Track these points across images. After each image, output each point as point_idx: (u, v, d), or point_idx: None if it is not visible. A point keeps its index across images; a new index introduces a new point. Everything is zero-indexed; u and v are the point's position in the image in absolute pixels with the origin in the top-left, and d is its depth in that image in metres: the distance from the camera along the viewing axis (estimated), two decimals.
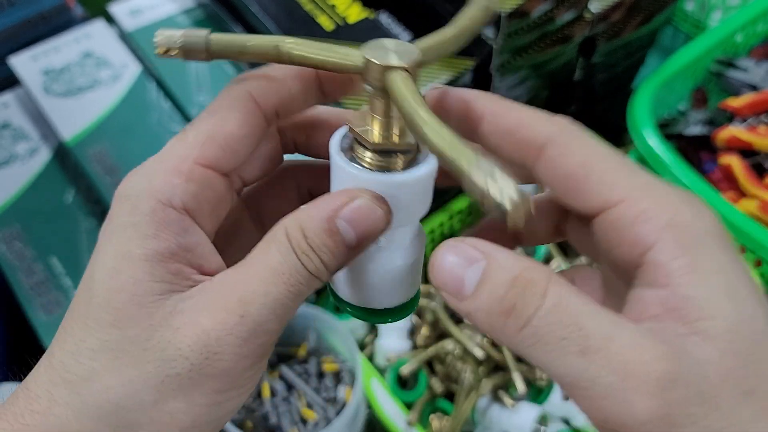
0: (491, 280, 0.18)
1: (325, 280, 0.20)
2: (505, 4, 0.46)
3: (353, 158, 0.21)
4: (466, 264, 0.18)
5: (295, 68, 0.22)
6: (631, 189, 0.19)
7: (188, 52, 0.20)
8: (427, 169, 0.20)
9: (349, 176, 0.20)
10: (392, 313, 0.24)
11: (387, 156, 0.20)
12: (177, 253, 0.19)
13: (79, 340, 0.19)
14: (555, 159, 0.19)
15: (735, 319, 0.17)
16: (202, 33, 0.20)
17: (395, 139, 0.20)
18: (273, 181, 0.25)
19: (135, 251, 0.19)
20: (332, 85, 0.22)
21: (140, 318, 0.19)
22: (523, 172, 0.20)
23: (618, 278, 0.20)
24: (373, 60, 0.19)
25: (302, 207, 0.20)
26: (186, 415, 0.19)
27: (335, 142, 0.21)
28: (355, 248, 0.20)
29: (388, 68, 0.19)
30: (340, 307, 0.24)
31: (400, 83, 0.19)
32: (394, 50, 0.20)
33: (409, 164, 0.21)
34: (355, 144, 0.21)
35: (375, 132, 0.20)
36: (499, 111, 0.21)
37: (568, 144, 0.19)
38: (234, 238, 0.23)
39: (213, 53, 0.20)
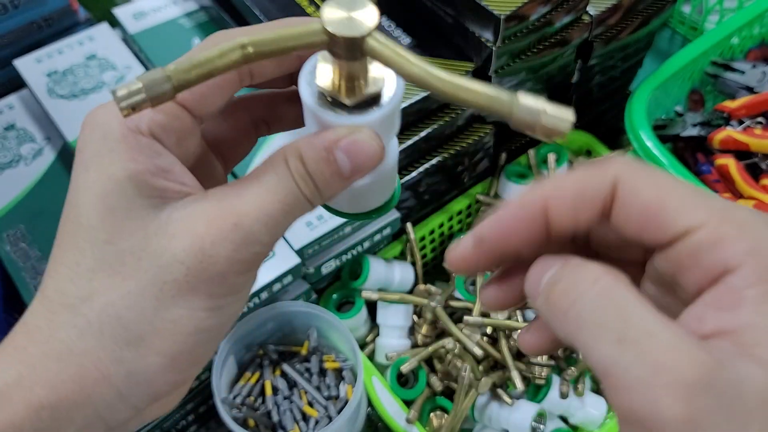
0: (551, 266, 0.20)
1: (317, 205, 0.21)
2: (504, 7, 0.47)
3: (329, 104, 0.21)
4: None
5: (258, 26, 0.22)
6: (710, 214, 0.18)
7: (156, 99, 0.19)
8: (396, 97, 0.22)
9: (337, 122, 0.21)
10: (377, 211, 0.25)
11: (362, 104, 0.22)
12: (156, 173, 0.20)
13: (73, 264, 0.19)
14: (626, 198, 0.19)
15: None
16: (160, 75, 0.19)
17: (364, 90, 0.21)
18: (227, 115, 0.25)
19: (118, 173, 0.19)
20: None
21: (134, 230, 0.19)
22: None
23: (667, 297, 0.21)
24: (339, 34, 0.19)
25: (303, 136, 0.21)
26: (188, 321, 0.19)
27: (308, 94, 0.21)
28: (348, 178, 0.21)
29: (361, 39, 0.19)
30: (329, 212, 0.25)
31: (384, 49, 0.20)
32: (351, 14, 0.20)
33: (377, 98, 0.22)
34: (325, 98, 0.21)
35: (345, 89, 0.21)
36: (562, 184, 0.21)
37: (636, 181, 0.19)
38: (200, 171, 0.23)
39: (180, 87, 0.19)
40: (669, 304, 0.20)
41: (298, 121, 0.25)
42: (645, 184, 0.19)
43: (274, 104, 0.25)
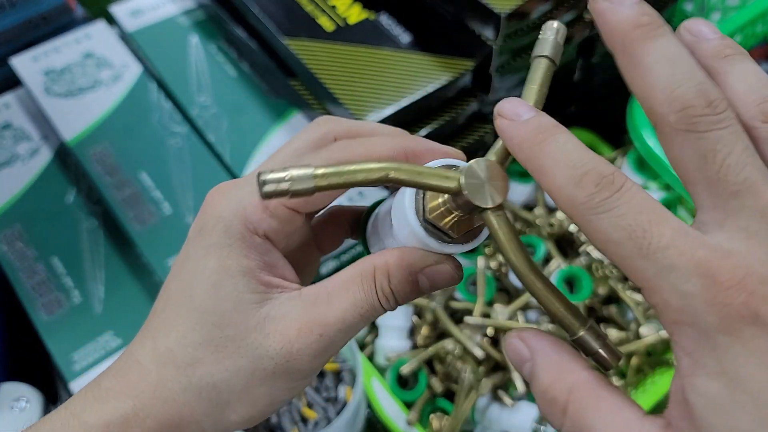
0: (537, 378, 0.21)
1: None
2: (505, 5, 0.47)
3: (427, 228, 0.23)
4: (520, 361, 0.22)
5: (374, 138, 0.25)
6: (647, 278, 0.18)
7: (297, 193, 0.21)
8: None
9: (435, 248, 0.24)
10: None
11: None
12: (264, 268, 0.24)
13: (183, 334, 0.24)
14: (581, 229, 0.20)
15: None
16: (307, 173, 0.20)
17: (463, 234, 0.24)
18: (329, 215, 0.30)
19: (233, 268, 0.24)
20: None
21: (239, 321, 0.24)
22: None
23: None
24: (470, 199, 0.21)
25: (393, 251, 0.24)
26: (266, 398, 0.24)
27: (412, 215, 0.23)
28: (423, 294, 0.24)
29: (484, 209, 0.22)
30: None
31: (499, 229, 0.22)
32: (487, 182, 0.22)
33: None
34: (430, 225, 0.24)
35: (450, 225, 0.23)
36: None
37: (585, 222, 0.19)
38: (300, 255, 0.28)
39: (321, 189, 0.21)
40: None
41: None
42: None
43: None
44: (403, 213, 0.23)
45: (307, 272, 0.29)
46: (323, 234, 0.30)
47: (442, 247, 0.23)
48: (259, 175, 0.20)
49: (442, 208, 0.23)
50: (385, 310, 0.24)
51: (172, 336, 0.24)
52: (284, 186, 0.20)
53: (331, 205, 0.27)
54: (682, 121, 0.18)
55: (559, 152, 0.19)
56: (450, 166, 0.24)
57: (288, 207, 0.24)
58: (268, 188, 0.20)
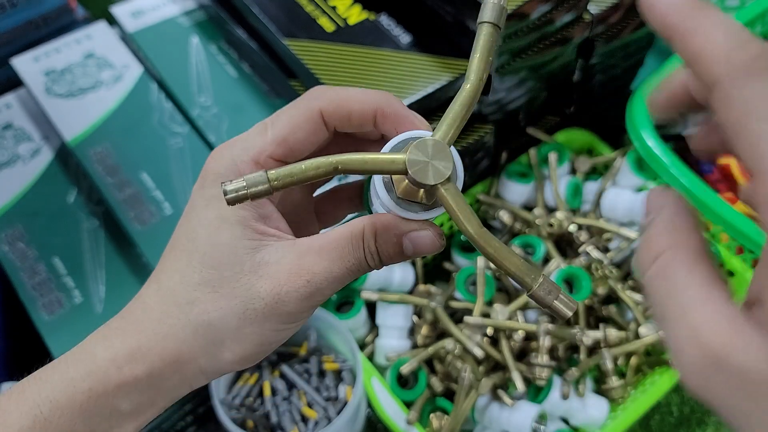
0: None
1: (376, 269, 0.27)
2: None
3: (400, 203, 0.26)
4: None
5: (353, 96, 0.27)
6: None
7: (255, 196, 0.23)
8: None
9: (409, 217, 0.26)
10: None
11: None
12: (259, 219, 0.27)
13: (185, 275, 0.26)
14: (717, 105, 0.19)
15: None
16: (261, 177, 0.23)
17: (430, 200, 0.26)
18: (331, 193, 0.33)
19: (231, 217, 0.26)
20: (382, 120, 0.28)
21: (234, 264, 0.26)
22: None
23: None
24: (416, 178, 0.24)
25: (382, 214, 0.26)
26: (257, 336, 0.26)
27: (384, 194, 0.26)
28: (407, 257, 0.27)
29: (431, 186, 0.24)
30: None
31: (449, 200, 0.24)
32: (431, 161, 0.24)
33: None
34: (402, 200, 0.26)
35: (418, 195, 0.25)
36: None
37: (730, 92, 0.19)
38: (299, 221, 0.31)
39: (277, 188, 0.24)
40: None
41: None
42: (736, 100, 0.19)
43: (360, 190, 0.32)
44: (377, 192, 0.26)
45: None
46: (324, 208, 0.33)
47: (419, 215, 0.26)
48: (222, 185, 0.23)
49: (408, 184, 0.25)
50: (371, 268, 0.27)
51: (175, 277, 0.27)
52: (243, 192, 0.23)
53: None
54: (753, 62, 0.18)
55: (722, 18, 0.19)
56: (415, 138, 0.25)
57: (275, 159, 0.27)
58: (230, 197, 0.23)
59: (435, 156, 0.24)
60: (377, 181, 0.26)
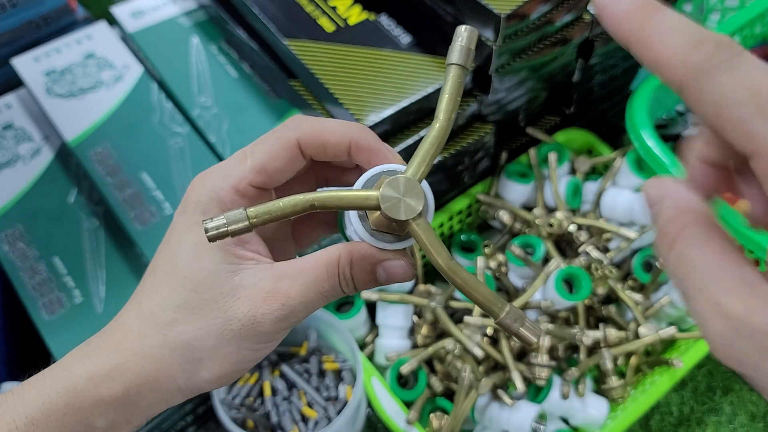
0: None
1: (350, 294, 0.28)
2: (504, 6, 0.47)
3: (374, 234, 0.27)
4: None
5: (328, 128, 0.28)
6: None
7: (235, 233, 0.25)
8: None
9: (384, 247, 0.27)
10: None
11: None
12: (238, 244, 0.27)
13: (165, 297, 0.27)
14: (692, 106, 0.20)
15: None
16: (241, 215, 0.25)
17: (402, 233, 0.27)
18: (298, 175, 0.32)
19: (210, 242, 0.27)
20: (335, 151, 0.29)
21: (214, 287, 0.27)
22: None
23: None
24: (389, 214, 0.25)
25: (357, 242, 0.27)
26: (234, 355, 0.27)
27: (359, 226, 0.27)
28: (379, 284, 0.28)
29: (404, 222, 0.25)
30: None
31: (420, 234, 0.25)
32: (403, 198, 0.25)
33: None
34: (376, 231, 0.27)
35: (391, 228, 0.27)
36: None
37: (698, 94, 0.19)
38: (277, 243, 0.31)
39: (256, 225, 0.25)
40: None
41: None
42: (708, 89, 0.19)
43: (337, 169, 0.32)
44: (351, 222, 0.27)
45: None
46: (301, 230, 0.34)
47: (392, 245, 0.27)
48: (204, 223, 0.24)
49: (381, 218, 0.26)
50: (345, 294, 0.28)
51: (155, 299, 0.27)
52: (223, 229, 0.24)
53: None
54: (710, 59, 0.18)
55: (672, 20, 0.19)
56: (388, 171, 0.27)
57: (254, 186, 0.28)
58: (211, 234, 0.24)
59: (407, 193, 0.25)
60: (352, 214, 0.27)
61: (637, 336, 0.55)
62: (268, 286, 0.27)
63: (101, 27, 0.66)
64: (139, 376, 0.27)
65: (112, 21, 0.66)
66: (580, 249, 0.58)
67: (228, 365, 0.27)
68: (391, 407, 0.50)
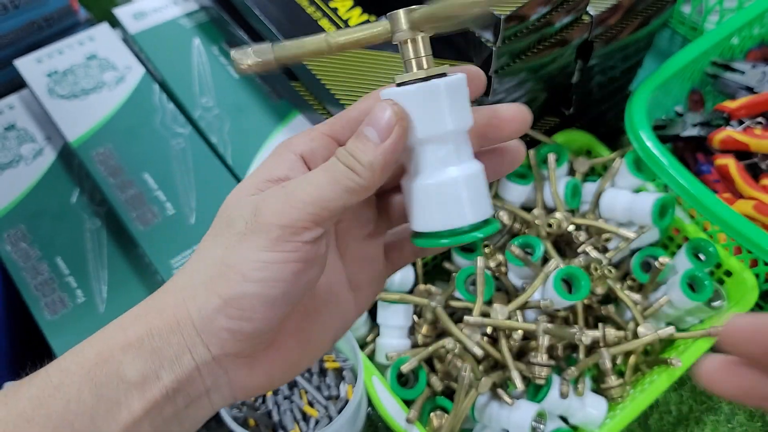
0: None
1: (367, 178, 0.26)
2: (504, 7, 0.47)
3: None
4: None
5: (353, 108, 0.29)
6: None
7: (262, 65, 0.27)
8: (432, 84, 0.26)
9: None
10: (477, 228, 0.27)
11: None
12: (281, 177, 0.27)
13: (192, 272, 0.27)
14: None
15: None
16: (268, 47, 0.27)
17: (424, 67, 0.27)
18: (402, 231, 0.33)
19: (255, 180, 0.28)
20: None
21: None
22: None
23: None
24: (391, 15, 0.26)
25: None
26: (242, 267, 0.25)
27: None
28: (380, 146, 0.26)
29: (407, 12, 0.26)
30: (426, 245, 0.27)
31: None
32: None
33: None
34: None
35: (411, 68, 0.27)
36: None
37: None
38: (368, 267, 0.32)
39: (279, 59, 0.27)
40: None
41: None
42: None
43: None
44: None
45: (374, 283, 0.32)
46: (394, 250, 0.33)
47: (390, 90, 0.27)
48: (231, 53, 0.27)
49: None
50: (358, 174, 0.26)
51: (204, 242, 0.28)
52: (248, 56, 0.27)
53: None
54: None
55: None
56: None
57: (325, 133, 0.28)
58: (239, 61, 0.27)
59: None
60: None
61: (635, 335, 0.55)
62: (278, 191, 0.27)
63: (103, 28, 0.66)
64: (161, 316, 0.26)
65: (114, 22, 0.67)
66: (579, 249, 0.59)
67: (234, 282, 0.25)
68: (391, 406, 0.51)
